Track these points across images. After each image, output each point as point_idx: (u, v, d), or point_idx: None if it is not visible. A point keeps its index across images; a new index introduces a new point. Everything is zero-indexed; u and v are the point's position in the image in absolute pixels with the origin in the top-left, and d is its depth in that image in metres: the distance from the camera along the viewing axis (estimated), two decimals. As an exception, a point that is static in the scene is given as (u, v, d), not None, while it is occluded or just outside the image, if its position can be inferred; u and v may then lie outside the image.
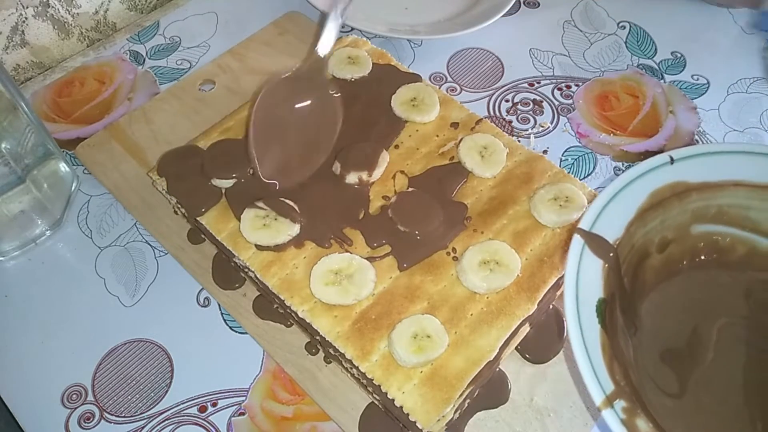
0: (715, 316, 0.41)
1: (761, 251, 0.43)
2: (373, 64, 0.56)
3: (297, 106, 0.49)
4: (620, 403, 0.32)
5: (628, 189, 0.39)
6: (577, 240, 0.37)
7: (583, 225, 0.37)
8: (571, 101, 0.63)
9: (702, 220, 0.42)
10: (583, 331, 0.34)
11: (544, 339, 0.47)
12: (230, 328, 0.49)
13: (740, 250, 0.43)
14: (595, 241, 0.37)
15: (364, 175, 0.48)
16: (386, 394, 0.40)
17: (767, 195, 0.41)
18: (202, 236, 0.51)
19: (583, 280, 0.36)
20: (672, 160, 0.40)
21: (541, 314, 0.47)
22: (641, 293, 0.41)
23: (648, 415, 0.33)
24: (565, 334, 0.47)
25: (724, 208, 0.42)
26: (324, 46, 0.49)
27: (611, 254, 0.37)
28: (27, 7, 0.64)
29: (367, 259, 0.44)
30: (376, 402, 0.44)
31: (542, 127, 0.61)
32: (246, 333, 0.48)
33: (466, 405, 0.43)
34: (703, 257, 0.43)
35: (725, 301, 0.42)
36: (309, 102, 0.49)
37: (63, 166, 0.55)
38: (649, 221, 0.40)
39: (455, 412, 0.41)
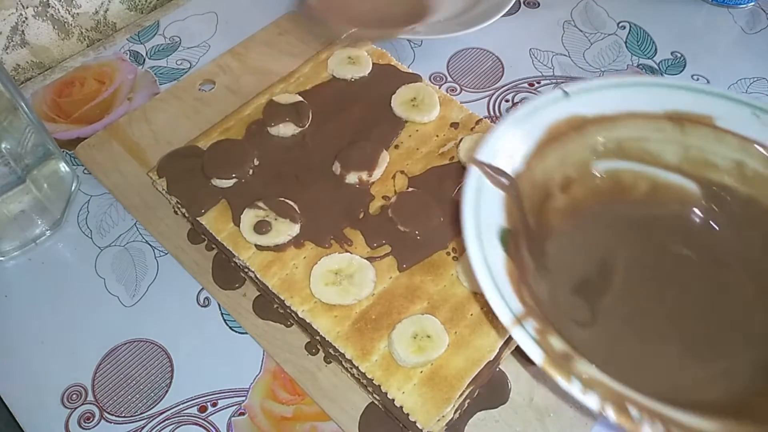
0: (621, 249, 0.41)
1: (663, 184, 0.42)
2: (373, 64, 0.56)
3: None
4: (531, 323, 0.31)
5: (525, 123, 0.38)
6: (475, 170, 0.35)
7: (480, 157, 0.36)
8: (571, 101, 0.63)
9: (602, 155, 0.41)
10: (485, 254, 0.32)
11: (544, 339, 0.47)
12: (230, 328, 0.49)
13: (642, 186, 0.42)
14: (493, 172, 0.36)
15: (364, 175, 0.48)
16: (386, 394, 0.40)
17: (661, 125, 0.41)
18: (202, 236, 0.51)
19: (484, 209, 0.34)
20: (566, 94, 0.40)
21: (541, 314, 0.47)
22: (547, 233, 0.40)
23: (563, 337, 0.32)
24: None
25: (623, 142, 0.41)
26: None
27: (511, 186, 0.36)
28: (27, 7, 0.64)
29: (367, 259, 0.44)
30: (376, 402, 0.44)
31: (542, 127, 0.61)
32: (246, 333, 0.48)
33: (466, 405, 0.43)
34: (606, 197, 0.42)
35: (631, 235, 0.41)
36: None
37: (63, 166, 0.55)
38: (549, 156, 0.39)
39: (455, 412, 0.42)
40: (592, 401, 0.29)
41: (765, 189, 0.40)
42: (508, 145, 0.37)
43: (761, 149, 0.40)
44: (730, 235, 0.41)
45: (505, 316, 0.31)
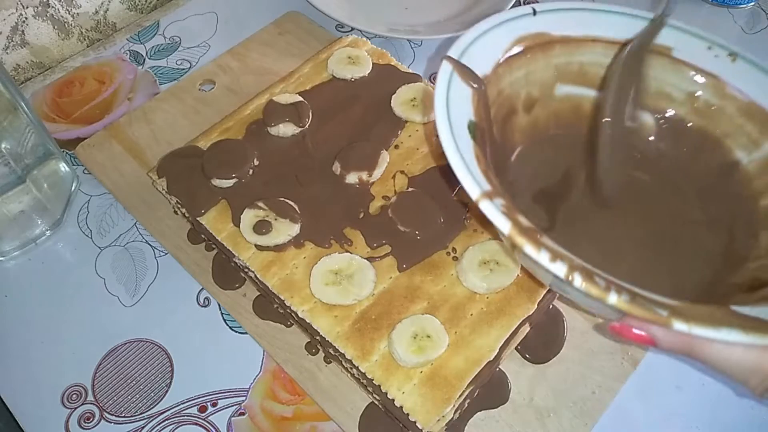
0: (579, 168, 0.42)
1: None
2: (373, 64, 0.56)
3: None
4: (499, 201, 0.31)
5: (494, 32, 0.39)
6: (446, 65, 0.36)
7: (452, 53, 0.37)
8: (571, 101, 0.63)
9: (565, 78, 0.42)
10: (456, 139, 0.33)
11: (544, 339, 0.47)
12: (230, 328, 0.49)
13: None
14: (463, 70, 0.37)
15: (364, 175, 0.48)
16: (386, 394, 0.40)
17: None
18: (202, 236, 0.51)
19: (453, 101, 0.35)
20: (534, 12, 0.41)
21: (541, 314, 0.47)
22: (510, 148, 0.42)
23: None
24: (564, 333, 0.47)
25: (585, 66, 0.42)
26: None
27: (479, 86, 0.37)
28: (27, 7, 0.64)
29: (367, 259, 0.44)
30: (376, 402, 0.44)
31: (542, 127, 0.61)
32: (246, 333, 0.48)
33: (466, 405, 0.43)
34: (566, 121, 0.43)
35: (588, 157, 0.42)
36: None
37: (63, 166, 0.55)
38: (515, 69, 0.40)
39: (455, 412, 0.42)
40: (559, 269, 0.29)
41: (715, 120, 0.41)
42: (478, 50, 0.38)
43: (714, 80, 0.41)
44: (683, 163, 0.42)
45: (474, 190, 0.31)
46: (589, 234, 0.40)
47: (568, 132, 0.43)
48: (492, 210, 0.31)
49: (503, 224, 0.30)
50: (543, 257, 0.29)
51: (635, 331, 0.31)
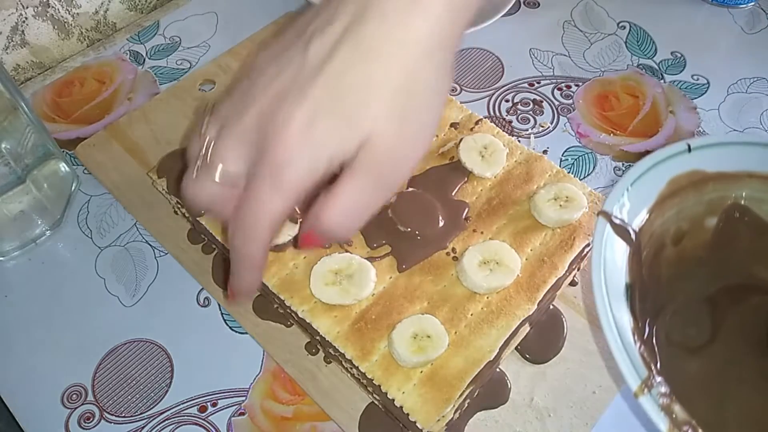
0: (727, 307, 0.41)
1: None
2: (373, 64, 0.55)
3: None
4: (657, 389, 0.32)
5: (648, 175, 0.39)
6: (602, 222, 0.36)
7: (607, 209, 0.37)
8: (571, 101, 0.63)
9: (716, 211, 0.42)
10: (614, 317, 0.33)
11: (544, 339, 0.47)
12: (230, 328, 0.49)
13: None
14: (617, 225, 0.36)
15: (364, 175, 0.48)
16: (386, 394, 0.40)
17: None
18: (202, 236, 0.51)
19: (609, 265, 0.35)
20: (689, 149, 0.40)
21: (541, 314, 0.47)
22: (657, 285, 0.41)
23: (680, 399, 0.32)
24: (564, 333, 0.47)
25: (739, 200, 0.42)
26: None
27: (634, 239, 0.37)
28: (27, 7, 0.64)
29: (367, 259, 0.44)
30: (376, 402, 0.44)
31: (542, 127, 0.61)
32: (246, 333, 0.48)
33: (466, 405, 0.43)
34: (712, 244, 0.43)
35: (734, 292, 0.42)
36: None
37: (63, 166, 0.55)
38: (667, 210, 0.40)
39: (455, 412, 0.41)
40: None
41: None
42: (632, 198, 0.38)
43: None
44: None
45: (633, 383, 0.31)
46: (727, 373, 0.39)
47: (712, 254, 0.43)
48: (651, 406, 0.31)
49: (661, 423, 0.30)
50: None
51: None
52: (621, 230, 0.36)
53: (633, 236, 0.37)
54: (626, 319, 0.34)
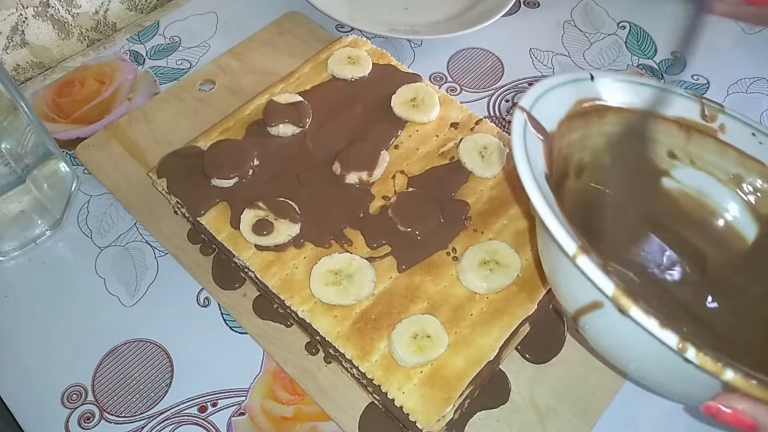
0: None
1: (662, 190, 0.43)
2: (373, 64, 0.56)
3: None
4: (594, 257, 0.29)
5: (557, 91, 0.39)
6: (519, 115, 0.35)
7: (524, 103, 0.36)
8: (571, 101, 0.63)
9: (613, 149, 0.42)
10: (541, 189, 0.32)
11: (544, 339, 0.47)
12: (230, 328, 0.49)
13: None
14: (535, 122, 0.36)
15: (364, 175, 0.48)
16: (386, 394, 0.40)
17: (671, 129, 0.43)
18: (202, 236, 0.51)
19: (531, 152, 0.34)
20: (592, 78, 0.41)
21: (541, 314, 0.47)
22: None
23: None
24: (565, 332, 0.47)
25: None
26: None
27: (548, 139, 0.36)
28: (27, 7, 0.64)
29: (367, 259, 0.44)
30: (376, 402, 0.44)
31: (542, 127, 0.61)
32: (246, 333, 0.48)
33: (466, 405, 0.43)
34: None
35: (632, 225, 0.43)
36: None
37: (63, 166, 0.55)
38: (574, 130, 0.40)
39: (455, 412, 0.41)
40: (670, 338, 0.26)
41: (760, 202, 0.41)
42: (547, 103, 0.38)
43: (759, 165, 0.41)
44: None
45: (569, 246, 0.29)
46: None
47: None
48: (592, 267, 0.28)
49: (606, 285, 0.28)
50: (652, 323, 0.27)
51: (740, 414, 0.28)
52: (537, 126, 0.36)
53: (544, 136, 0.37)
54: (553, 199, 0.33)
